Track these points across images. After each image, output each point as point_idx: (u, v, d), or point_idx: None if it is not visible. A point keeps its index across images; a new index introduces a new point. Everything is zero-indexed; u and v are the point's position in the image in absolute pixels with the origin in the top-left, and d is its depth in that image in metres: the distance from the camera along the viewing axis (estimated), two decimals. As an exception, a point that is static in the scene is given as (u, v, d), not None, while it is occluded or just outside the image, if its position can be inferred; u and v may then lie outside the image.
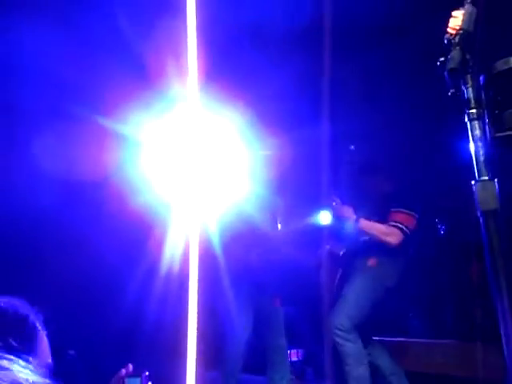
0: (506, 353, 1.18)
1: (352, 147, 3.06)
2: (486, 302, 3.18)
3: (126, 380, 1.02)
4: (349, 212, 2.59)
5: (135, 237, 3.15)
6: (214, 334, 2.73)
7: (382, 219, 2.57)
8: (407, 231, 2.50)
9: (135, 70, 2.80)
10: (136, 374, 1.03)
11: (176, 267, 2.75)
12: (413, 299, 3.66)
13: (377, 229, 2.54)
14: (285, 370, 2.84)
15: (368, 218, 2.60)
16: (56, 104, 2.88)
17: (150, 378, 1.06)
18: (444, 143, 3.40)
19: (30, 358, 0.74)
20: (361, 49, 3.77)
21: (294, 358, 3.23)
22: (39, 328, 0.92)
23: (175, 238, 2.53)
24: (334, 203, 2.65)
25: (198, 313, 1.21)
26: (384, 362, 2.59)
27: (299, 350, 3.74)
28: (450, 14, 1.45)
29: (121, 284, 3.07)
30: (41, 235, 2.93)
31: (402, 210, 2.55)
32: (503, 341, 1.18)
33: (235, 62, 3.39)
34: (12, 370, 0.58)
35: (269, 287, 2.91)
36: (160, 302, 3.06)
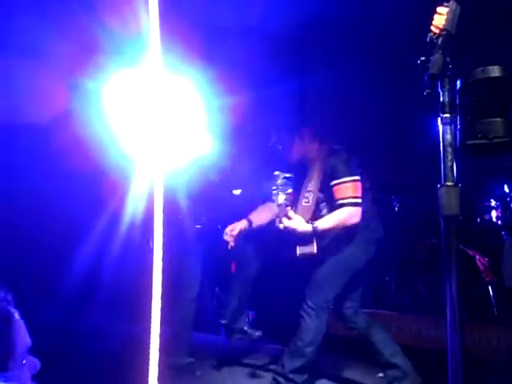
0: (448, 330, 1.22)
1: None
2: (430, 278, 3.38)
3: None
4: (302, 225, 2.21)
5: (98, 192, 3.10)
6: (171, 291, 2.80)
7: (330, 197, 2.32)
8: (360, 200, 2.24)
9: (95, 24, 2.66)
10: None
11: (138, 222, 2.76)
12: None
13: (336, 222, 2.24)
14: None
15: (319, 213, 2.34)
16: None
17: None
18: (412, 125, 3.47)
19: None
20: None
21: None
22: (12, 310, 0.91)
23: (138, 193, 2.52)
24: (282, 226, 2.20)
25: (163, 269, 1.23)
26: (378, 336, 2.43)
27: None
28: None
29: (82, 239, 3.04)
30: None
31: (343, 180, 2.24)
32: (447, 318, 1.22)
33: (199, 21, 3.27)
34: None
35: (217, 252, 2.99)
36: (121, 258, 3.08)
